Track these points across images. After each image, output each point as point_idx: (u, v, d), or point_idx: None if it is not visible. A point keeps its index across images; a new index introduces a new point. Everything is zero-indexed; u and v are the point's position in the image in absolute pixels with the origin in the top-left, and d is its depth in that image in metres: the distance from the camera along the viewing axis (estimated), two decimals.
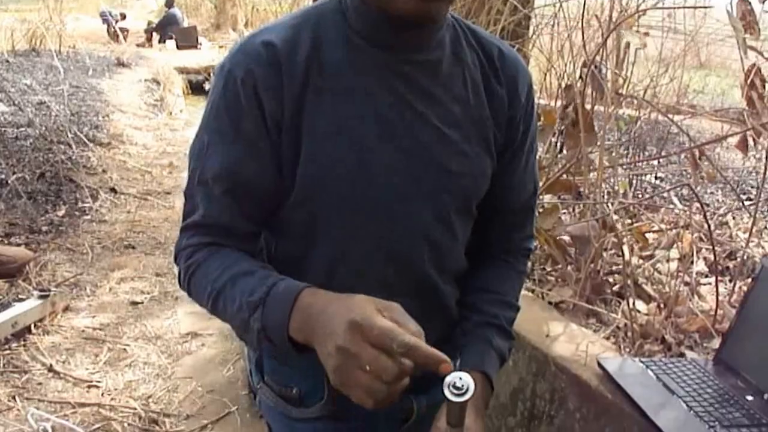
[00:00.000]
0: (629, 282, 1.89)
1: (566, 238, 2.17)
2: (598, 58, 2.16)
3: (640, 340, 1.71)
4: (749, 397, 1.34)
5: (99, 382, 2.47)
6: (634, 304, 1.83)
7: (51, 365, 2.52)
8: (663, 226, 2.46)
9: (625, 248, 2.06)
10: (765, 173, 2.05)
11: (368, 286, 0.82)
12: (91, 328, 2.85)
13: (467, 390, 0.66)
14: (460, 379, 0.67)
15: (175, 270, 0.90)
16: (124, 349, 2.72)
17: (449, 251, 0.94)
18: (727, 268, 2.19)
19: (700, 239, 2.30)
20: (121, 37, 10.18)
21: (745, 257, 2.12)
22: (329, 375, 0.70)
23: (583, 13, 2.21)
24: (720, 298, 1.81)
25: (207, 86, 8.57)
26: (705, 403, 1.33)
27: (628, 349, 1.70)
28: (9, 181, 4.02)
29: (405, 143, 0.86)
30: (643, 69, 2.99)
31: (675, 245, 2.26)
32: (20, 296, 2.93)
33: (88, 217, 4.05)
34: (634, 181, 3.01)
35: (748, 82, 1.85)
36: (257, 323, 0.77)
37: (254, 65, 0.81)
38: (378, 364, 0.66)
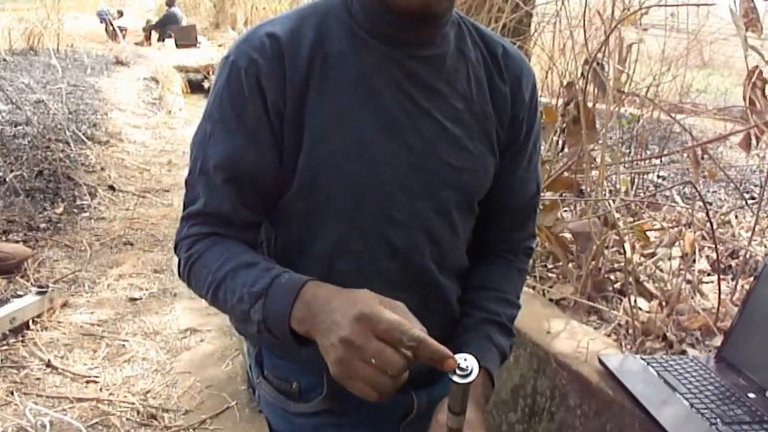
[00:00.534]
0: (630, 279, 1.88)
1: (567, 235, 2.16)
2: (600, 55, 2.15)
3: (642, 338, 1.71)
4: (751, 395, 1.34)
5: (97, 377, 2.46)
6: (635, 301, 1.82)
7: (49, 360, 2.51)
8: (665, 224, 2.45)
9: (627, 246, 2.05)
10: None
11: (368, 278, 0.81)
12: (89, 324, 2.84)
13: (471, 371, 0.66)
14: (465, 360, 0.66)
15: (175, 260, 0.90)
16: (123, 345, 2.71)
17: (450, 246, 0.94)
18: (730, 266, 2.19)
19: (703, 237, 2.29)
20: (119, 35, 10.17)
21: (747, 255, 2.11)
22: (330, 367, 0.69)
23: (585, 10, 2.20)
24: (722, 296, 1.80)
25: (206, 85, 8.59)
26: (706, 400, 1.33)
27: (629, 347, 1.69)
28: (7, 179, 4.01)
29: (407, 137, 0.86)
30: (645, 67, 2.99)
31: (677, 243, 2.25)
32: (18, 292, 2.92)
33: (87, 214, 4.05)
34: (636, 180, 3.00)
35: (750, 84, 1.84)
36: (258, 314, 0.77)
37: (258, 56, 0.81)
38: (383, 357, 0.65)
